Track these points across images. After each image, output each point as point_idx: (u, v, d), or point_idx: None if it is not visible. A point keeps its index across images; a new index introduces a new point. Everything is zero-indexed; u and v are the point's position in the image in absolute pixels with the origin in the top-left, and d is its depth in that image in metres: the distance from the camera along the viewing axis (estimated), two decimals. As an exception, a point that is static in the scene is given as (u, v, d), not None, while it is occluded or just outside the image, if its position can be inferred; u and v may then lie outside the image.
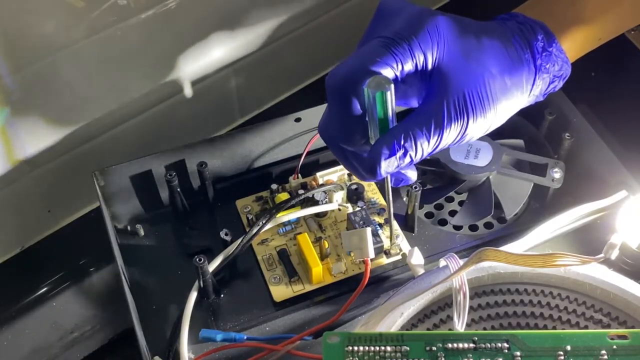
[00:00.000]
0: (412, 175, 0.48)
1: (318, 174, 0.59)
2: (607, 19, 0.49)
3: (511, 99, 0.45)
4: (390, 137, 0.43)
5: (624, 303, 0.48)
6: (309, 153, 0.61)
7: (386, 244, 0.57)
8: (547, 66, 0.46)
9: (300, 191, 0.58)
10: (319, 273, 0.54)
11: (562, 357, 0.43)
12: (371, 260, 0.54)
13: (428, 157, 0.46)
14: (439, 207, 0.61)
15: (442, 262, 0.50)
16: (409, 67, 0.43)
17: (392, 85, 0.42)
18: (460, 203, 0.61)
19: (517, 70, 0.45)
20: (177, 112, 0.70)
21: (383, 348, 0.43)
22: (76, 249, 0.66)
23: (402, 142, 0.43)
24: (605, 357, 0.43)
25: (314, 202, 0.58)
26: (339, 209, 0.58)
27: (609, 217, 0.56)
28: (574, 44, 0.48)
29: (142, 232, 0.59)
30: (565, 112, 0.62)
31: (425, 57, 0.44)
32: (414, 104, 0.48)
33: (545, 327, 0.48)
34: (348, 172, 0.60)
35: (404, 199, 0.60)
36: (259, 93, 0.76)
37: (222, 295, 0.55)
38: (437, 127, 0.43)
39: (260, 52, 0.72)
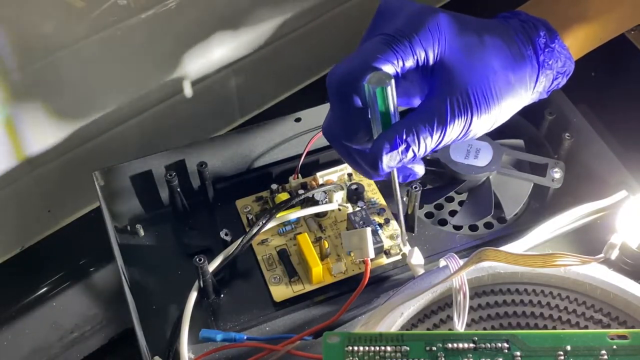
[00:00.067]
0: (420, 169, 0.48)
1: (318, 174, 0.59)
2: (608, 19, 0.49)
3: (515, 96, 0.45)
4: (392, 132, 0.43)
5: (624, 303, 0.48)
6: (309, 153, 0.61)
7: (386, 243, 0.57)
8: (550, 62, 0.46)
9: (300, 191, 0.58)
10: (319, 273, 0.54)
11: (562, 357, 0.43)
12: (371, 260, 0.54)
13: (429, 156, 0.45)
14: (439, 207, 0.61)
15: (442, 262, 0.50)
16: (409, 63, 0.43)
17: (393, 81, 0.42)
18: (460, 203, 0.61)
19: (520, 66, 0.45)
20: (177, 112, 0.70)
21: (383, 348, 0.43)
22: (76, 249, 0.66)
23: (404, 137, 0.43)
24: (605, 357, 0.43)
25: (314, 202, 0.58)
26: (339, 209, 0.58)
27: (609, 217, 0.56)
28: (576, 43, 0.48)
29: (142, 232, 0.59)
30: (565, 112, 0.62)
31: (426, 54, 0.44)
32: (416, 103, 0.48)
33: (545, 327, 0.48)
34: (348, 172, 0.60)
35: (404, 199, 0.60)
36: (259, 93, 0.76)
37: (222, 295, 0.55)
38: (440, 122, 0.43)
39: (260, 52, 0.72)
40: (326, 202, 0.58)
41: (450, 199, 0.61)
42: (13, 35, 0.55)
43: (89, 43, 0.59)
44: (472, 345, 0.44)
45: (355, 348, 0.43)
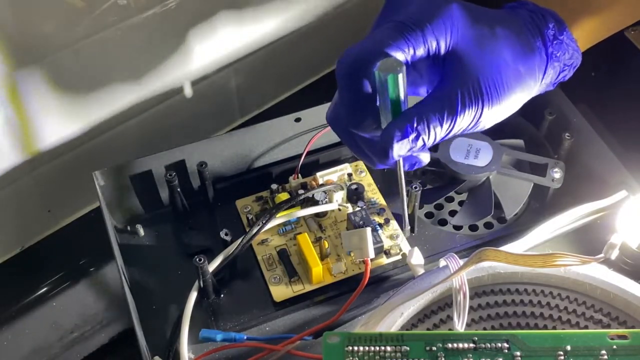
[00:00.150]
0: (425, 157, 0.47)
1: (318, 174, 0.59)
2: (616, 10, 0.49)
3: (525, 88, 0.45)
4: (403, 120, 0.43)
5: (624, 303, 0.48)
6: (309, 153, 0.61)
7: (386, 243, 0.57)
8: (558, 54, 0.46)
9: (300, 191, 0.58)
10: (319, 273, 0.54)
11: (562, 357, 0.43)
12: (371, 260, 0.54)
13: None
14: (439, 207, 0.61)
15: (442, 262, 0.50)
16: (420, 52, 0.43)
17: (404, 68, 0.41)
18: (460, 203, 0.61)
19: (529, 58, 0.45)
20: (177, 112, 0.70)
21: (383, 348, 0.43)
22: (76, 249, 0.66)
23: (415, 125, 0.43)
24: (605, 357, 0.43)
25: (314, 202, 0.58)
26: (339, 209, 0.58)
27: (609, 217, 0.56)
28: (584, 34, 0.48)
29: (142, 232, 0.59)
30: (565, 112, 0.62)
31: (437, 44, 0.43)
32: (422, 92, 0.48)
33: (545, 327, 0.48)
34: (348, 172, 0.60)
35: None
36: (259, 93, 0.76)
37: (222, 295, 0.55)
38: (450, 112, 0.43)
39: (261, 52, 0.72)
40: (326, 202, 0.58)
41: (450, 199, 0.61)
42: (13, 35, 0.55)
43: (89, 43, 0.59)
44: (472, 345, 0.44)
45: (355, 348, 0.43)
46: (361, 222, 0.56)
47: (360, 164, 0.62)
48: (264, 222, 0.55)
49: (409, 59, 0.43)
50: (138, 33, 0.61)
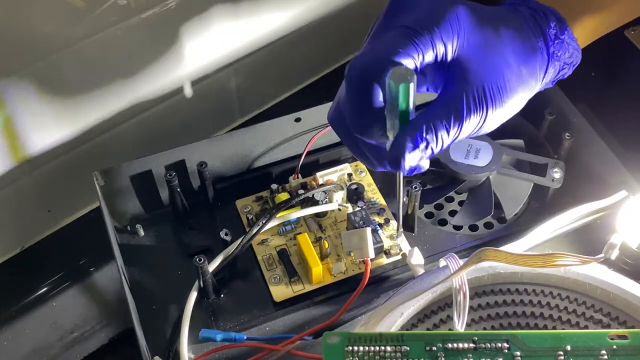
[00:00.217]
0: (425, 163, 0.48)
1: (318, 174, 0.59)
2: (617, 7, 0.49)
3: (526, 88, 0.45)
4: (413, 130, 0.43)
5: (624, 303, 0.48)
6: (309, 153, 0.61)
7: (386, 243, 0.57)
8: (559, 54, 0.46)
9: (300, 191, 0.58)
10: (319, 273, 0.54)
11: (562, 357, 0.43)
12: (371, 260, 0.54)
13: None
14: (439, 207, 0.61)
15: (442, 262, 0.50)
16: (429, 57, 0.43)
17: (415, 77, 0.41)
18: (460, 203, 0.61)
19: (531, 59, 0.45)
20: (177, 112, 0.70)
21: (383, 348, 0.43)
22: (76, 249, 0.66)
23: (424, 135, 0.43)
24: (605, 357, 0.43)
25: (314, 202, 0.58)
26: (339, 209, 0.58)
27: (609, 217, 0.56)
28: (584, 32, 0.48)
29: (142, 232, 0.59)
30: (565, 112, 0.62)
31: (445, 48, 0.43)
32: (424, 90, 0.48)
33: (545, 327, 0.48)
34: (348, 172, 0.60)
35: (404, 199, 0.60)
36: (259, 93, 0.76)
37: (222, 295, 0.55)
38: (457, 118, 0.43)
39: (261, 52, 0.72)
40: (326, 202, 0.58)
41: (450, 199, 0.61)
42: (13, 35, 0.55)
43: (89, 43, 0.59)
44: (472, 345, 0.44)
45: (355, 348, 0.43)
46: (361, 222, 0.56)
47: (360, 164, 0.62)
48: (264, 222, 0.55)
49: (418, 65, 0.43)
50: (138, 33, 0.61)
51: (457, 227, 0.60)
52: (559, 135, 0.61)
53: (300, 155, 0.60)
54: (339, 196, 0.58)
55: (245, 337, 0.51)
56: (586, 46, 0.49)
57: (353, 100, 0.43)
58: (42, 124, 0.61)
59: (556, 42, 0.46)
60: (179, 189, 0.58)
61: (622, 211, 0.55)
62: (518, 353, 0.43)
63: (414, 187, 0.56)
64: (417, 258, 0.53)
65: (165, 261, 0.58)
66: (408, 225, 0.59)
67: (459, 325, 0.46)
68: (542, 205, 0.60)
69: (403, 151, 0.43)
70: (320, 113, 0.60)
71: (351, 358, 0.43)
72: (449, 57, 0.44)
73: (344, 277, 0.56)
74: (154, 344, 0.52)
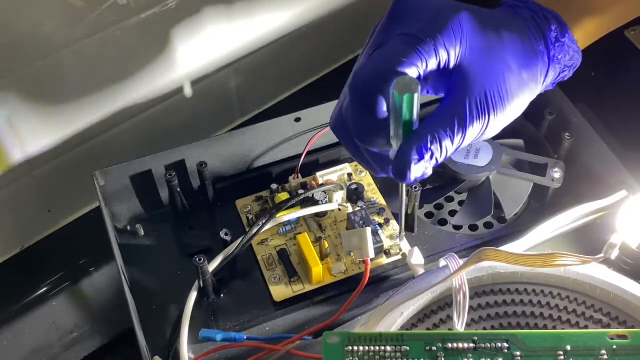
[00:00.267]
0: (429, 172, 0.47)
1: (318, 174, 0.59)
2: (617, 9, 0.49)
3: (527, 92, 0.45)
4: (418, 141, 0.43)
5: (624, 303, 0.48)
6: (309, 153, 0.61)
7: (386, 243, 0.57)
8: (560, 57, 0.46)
9: (300, 191, 0.58)
10: (319, 273, 0.54)
11: (562, 357, 0.43)
12: (371, 260, 0.54)
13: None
14: (439, 207, 0.61)
15: (442, 262, 0.50)
16: (432, 65, 0.43)
17: (420, 87, 0.41)
18: (460, 203, 0.61)
19: (533, 63, 0.45)
20: (177, 112, 0.70)
21: (383, 348, 0.43)
22: (76, 249, 0.66)
23: (429, 145, 0.43)
24: (605, 357, 0.43)
25: (314, 202, 0.58)
26: (339, 209, 0.58)
27: (609, 217, 0.56)
28: (584, 34, 0.48)
29: (142, 232, 0.59)
30: (565, 112, 0.62)
31: (448, 55, 0.43)
32: (424, 93, 0.48)
33: (545, 327, 0.48)
34: (348, 172, 0.60)
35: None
36: (259, 93, 0.76)
37: (222, 295, 0.55)
38: (460, 126, 0.43)
39: (261, 52, 0.72)
40: (326, 202, 0.58)
41: (450, 199, 0.61)
42: (13, 35, 0.55)
43: (89, 43, 0.59)
44: (472, 345, 0.44)
45: (355, 348, 0.43)
46: (361, 222, 0.56)
47: (360, 164, 0.62)
48: (264, 222, 0.55)
49: (421, 73, 0.43)
50: (138, 33, 0.61)
51: (457, 227, 0.60)
52: (559, 135, 0.61)
53: (300, 155, 0.60)
54: (339, 196, 0.58)
55: (245, 337, 0.51)
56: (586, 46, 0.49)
57: (357, 110, 0.43)
58: (42, 124, 0.61)
59: (557, 45, 0.46)
60: (179, 189, 0.58)
61: (622, 211, 0.55)
62: (518, 353, 0.43)
63: (414, 187, 0.56)
64: (417, 258, 0.53)
65: (165, 261, 0.58)
66: (408, 225, 0.59)
67: (459, 325, 0.46)
68: (542, 205, 0.60)
69: (409, 163, 0.43)
70: (320, 113, 0.60)
71: (351, 358, 0.43)
72: (452, 64, 0.43)
73: (344, 277, 0.56)
74: (154, 344, 0.52)
